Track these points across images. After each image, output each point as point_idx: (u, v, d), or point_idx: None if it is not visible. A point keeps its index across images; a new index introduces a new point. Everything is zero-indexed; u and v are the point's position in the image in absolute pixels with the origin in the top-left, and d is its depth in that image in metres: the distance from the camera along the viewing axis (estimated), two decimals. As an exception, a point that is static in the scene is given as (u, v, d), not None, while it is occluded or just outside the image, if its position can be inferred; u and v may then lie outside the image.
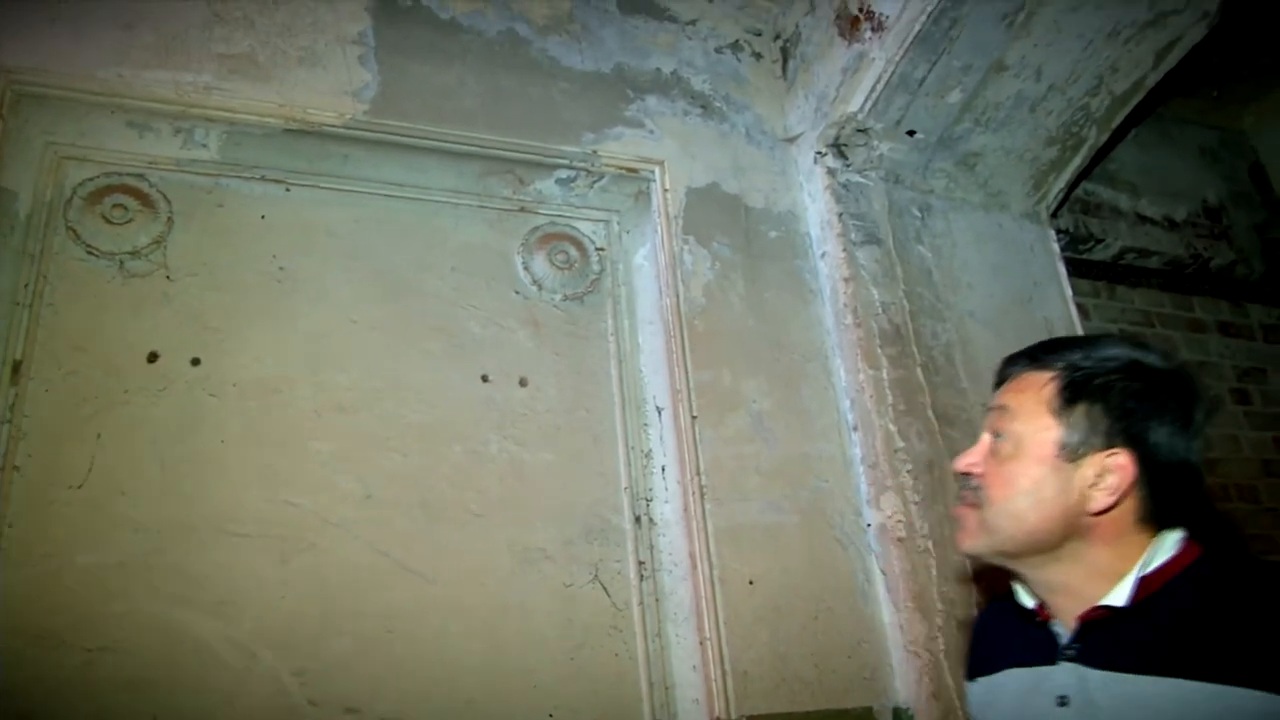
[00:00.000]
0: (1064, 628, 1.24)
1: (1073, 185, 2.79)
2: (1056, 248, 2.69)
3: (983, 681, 1.39)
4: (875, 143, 2.47)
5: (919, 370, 2.25)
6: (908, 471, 2.14)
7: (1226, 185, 3.43)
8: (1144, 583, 1.17)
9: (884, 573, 2.12)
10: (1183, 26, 2.48)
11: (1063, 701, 1.19)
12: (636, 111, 2.45)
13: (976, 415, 2.28)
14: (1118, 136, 2.79)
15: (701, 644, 2.02)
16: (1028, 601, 1.30)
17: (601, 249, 2.42)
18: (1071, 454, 1.21)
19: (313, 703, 1.80)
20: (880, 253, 2.37)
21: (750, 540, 2.10)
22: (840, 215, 2.37)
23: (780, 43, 2.76)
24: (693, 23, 2.65)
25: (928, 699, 2.00)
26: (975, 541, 1.28)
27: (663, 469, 2.21)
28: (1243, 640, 1.06)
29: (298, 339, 2.08)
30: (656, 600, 2.15)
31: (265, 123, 2.09)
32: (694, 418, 2.15)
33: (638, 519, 2.18)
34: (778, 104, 2.66)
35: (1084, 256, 2.91)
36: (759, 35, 2.74)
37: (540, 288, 2.33)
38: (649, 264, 2.36)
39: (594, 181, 2.38)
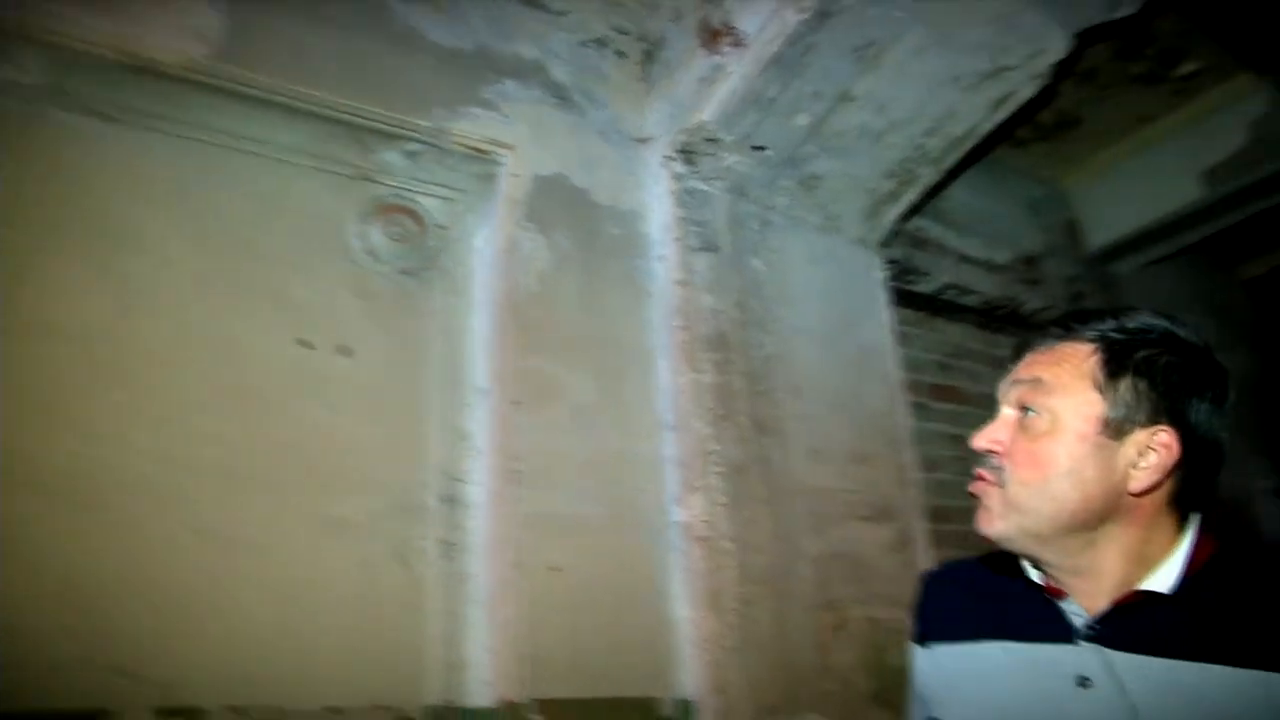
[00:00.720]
0: (1078, 608, 1.19)
1: (905, 218, 2.94)
2: (883, 275, 2.83)
3: (947, 649, 1.33)
4: (724, 154, 2.54)
5: (740, 378, 2.33)
6: (717, 473, 2.21)
7: (1044, 237, 3.67)
8: (1188, 569, 1.15)
9: (684, 570, 2.18)
10: (1017, 82, 2.65)
11: (1083, 683, 1.14)
12: (494, 94, 2.44)
13: (791, 426, 2.37)
14: (951, 177, 2.96)
15: (497, 627, 2.03)
16: (1036, 576, 1.24)
17: (442, 226, 2.40)
18: (1116, 430, 1.15)
19: (84, 663, 1.73)
20: (716, 261, 2.44)
21: (558, 529, 2.12)
22: (681, 220, 2.43)
23: (645, 45, 2.80)
24: (563, 14, 2.66)
25: (711, 693, 2.07)
26: (1004, 524, 1.18)
27: (478, 451, 2.21)
28: None
29: (108, 282, 1.98)
30: (458, 581, 2.15)
31: (97, 54, 1.98)
32: (515, 403, 2.16)
33: (447, 499, 2.17)
34: (636, 104, 2.70)
35: (909, 287, 3.06)
36: (625, 35, 2.77)
37: (375, 258, 2.29)
38: (488, 247, 2.35)
39: (441, 158, 2.36)
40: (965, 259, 3.26)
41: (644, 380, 2.35)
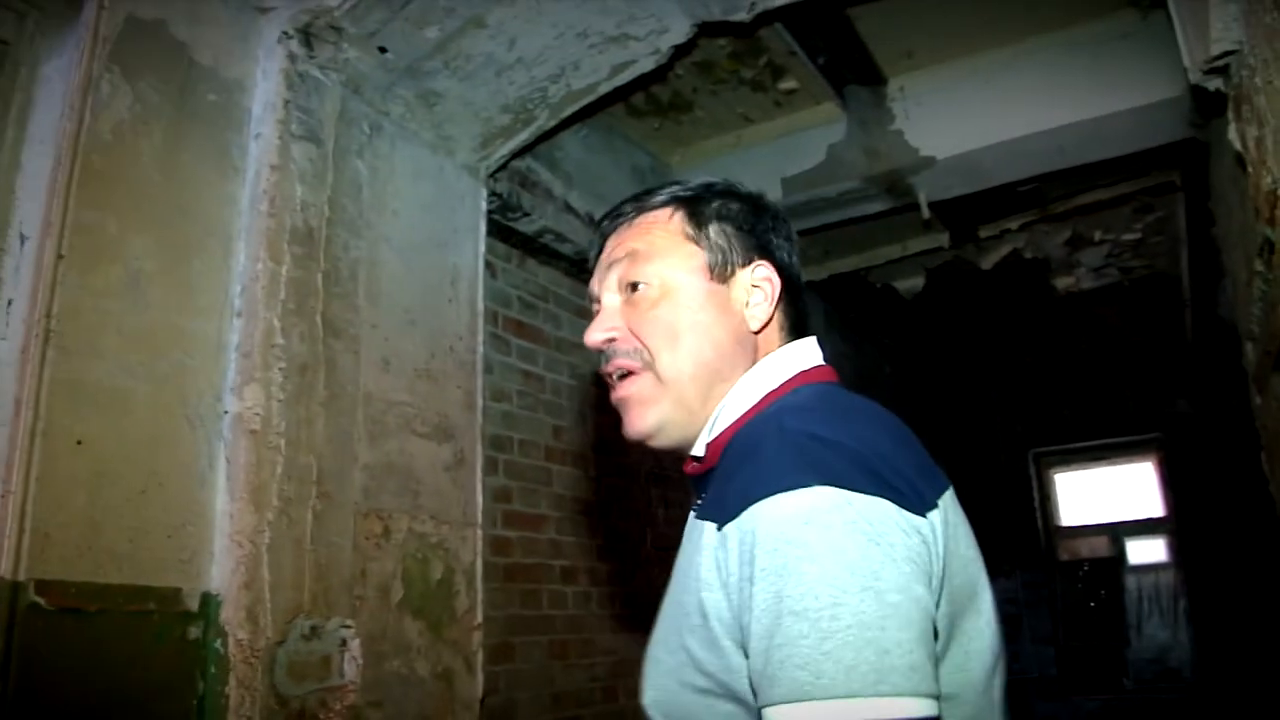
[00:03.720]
0: None
1: (517, 155, 3.02)
2: (485, 206, 2.89)
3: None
4: (345, 46, 2.45)
5: (320, 276, 2.28)
6: (280, 368, 2.15)
7: (644, 204, 3.93)
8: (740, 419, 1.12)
9: (228, 460, 2.11)
10: (639, 53, 2.81)
11: None
12: (92, -87, 2.17)
13: (365, 331, 2.37)
14: (565, 125, 3.08)
15: (3, 497, 1.84)
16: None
17: (4, 41, 2.10)
18: (721, 274, 1.15)
19: None
20: (317, 153, 2.36)
21: (91, 400, 1.96)
22: (287, 103, 2.32)
23: (280, -88, 2.62)
24: None
25: (239, 588, 2.03)
26: (656, 406, 1.13)
27: (9, 303, 1.98)
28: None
29: None
30: (-38, 443, 1.92)
31: None
32: (60, 256, 1.95)
33: (-40, 349, 1.93)
34: (262, -30, 2.52)
35: (509, 223, 3.15)
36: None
37: (-93, 61, 1.96)
38: (58, 78, 2.09)
39: (15, -33, 2.07)
40: (568, 208, 3.42)
41: (219, 260, 2.22)
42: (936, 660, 0.90)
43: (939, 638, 0.93)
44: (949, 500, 1.04)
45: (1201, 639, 7.32)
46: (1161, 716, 7.24)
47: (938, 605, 0.94)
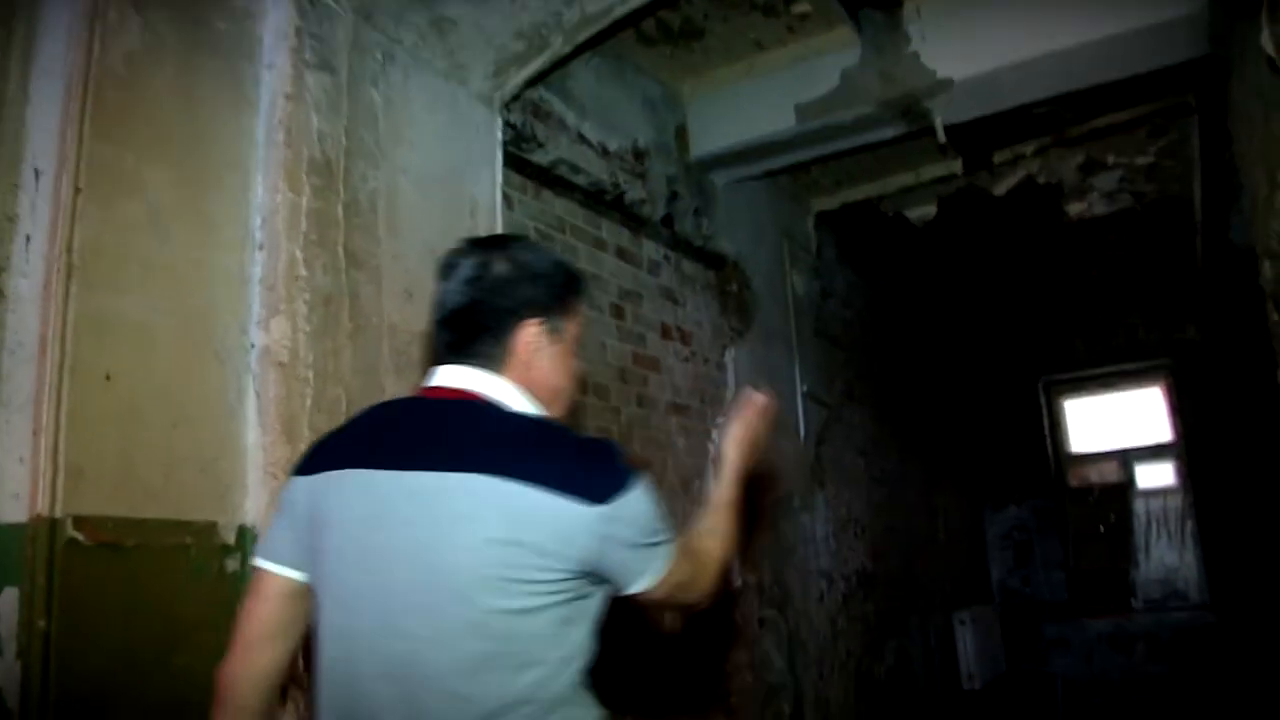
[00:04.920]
0: None
1: (530, 84, 2.97)
2: (500, 136, 2.85)
3: None
4: (355, -29, 2.40)
5: (340, 207, 2.26)
6: (305, 300, 2.14)
7: (655, 135, 3.88)
8: None
9: (258, 394, 2.10)
10: (653, -23, 2.75)
11: None
12: None
13: (386, 263, 2.35)
14: (579, 51, 3.02)
15: (35, 435, 1.84)
16: None
17: (6, -29, 2.05)
18: None
19: None
20: (331, 83, 2.32)
21: (117, 335, 1.95)
22: (299, 30, 2.27)
23: None
24: None
25: (274, 520, 2.03)
26: None
27: (27, 238, 1.95)
28: None
29: None
30: (-9, 382, 1.91)
31: None
32: (78, 190, 1.93)
33: (-13, 288, 1.91)
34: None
35: (523, 155, 3.10)
36: None
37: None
38: (65, 9, 2.05)
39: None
40: (582, 139, 3.37)
41: (238, 193, 2.19)
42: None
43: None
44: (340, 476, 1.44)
45: (1208, 560, 7.40)
46: (1168, 635, 7.34)
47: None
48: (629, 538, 1.36)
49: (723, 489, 1.75)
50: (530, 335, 1.49)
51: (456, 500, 1.32)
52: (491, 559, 1.28)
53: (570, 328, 1.57)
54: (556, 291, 1.54)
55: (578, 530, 1.31)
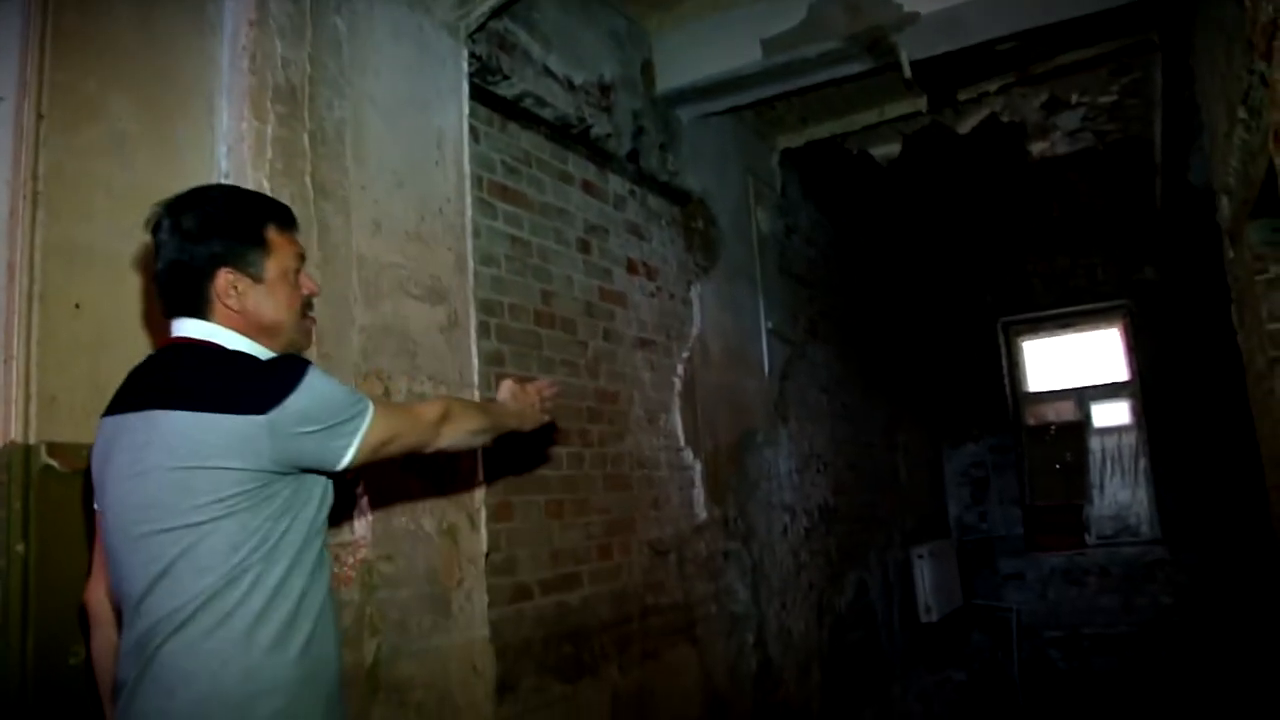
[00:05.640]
0: None
1: (494, 14, 2.94)
2: (466, 68, 2.83)
3: None
4: (315, -106, 2.35)
5: (306, 136, 2.24)
6: (271, 229, 2.13)
7: (622, 70, 3.86)
8: None
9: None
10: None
11: None
12: None
13: (354, 194, 2.35)
14: (545, -16, 2.99)
15: (6, 362, 1.85)
16: None
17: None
18: None
19: None
20: (294, 9, 2.29)
21: (84, 263, 1.95)
22: (261, -45, 2.24)
23: None
24: None
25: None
26: None
27: (-10, 166, 1.93)
28: None
29: None
30: (-44, 310, 1.90)
31: None
32: (40, 116, 1.91)
33: (-53, 212, 1.89)
34: None
35: (489, 87, 3.08)
36: None
37: None
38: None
39: None
40: (547, 72, 3.35)
41: (202, 120, 2.17)
42: None
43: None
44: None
45: (1160, 496, 7.60)
46: (1120, 569, 7.57)
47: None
48: (311, 429, 1.55)
49: (489, 402, 2.08)
50: (224, 284, 1.61)
51: (143, 434, 1.52)
52: (174, 483, 1.49)
53: (273, 264, 1.67)
54: (245, 236, 1.65)
55: (251, 440, 1.50)
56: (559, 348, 3.28)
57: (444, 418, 1.82)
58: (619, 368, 3.63)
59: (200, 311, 1.63)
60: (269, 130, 2.18)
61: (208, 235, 1.61)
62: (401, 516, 2.34)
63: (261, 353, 1.64)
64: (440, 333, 2.54)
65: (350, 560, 2.19)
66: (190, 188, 1.71)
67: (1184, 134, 5.06)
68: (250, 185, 2.13)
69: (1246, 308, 3.45)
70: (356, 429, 1.61)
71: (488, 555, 2.63)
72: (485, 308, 2.90)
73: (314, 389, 1.57)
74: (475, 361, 2.64)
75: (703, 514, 4.04)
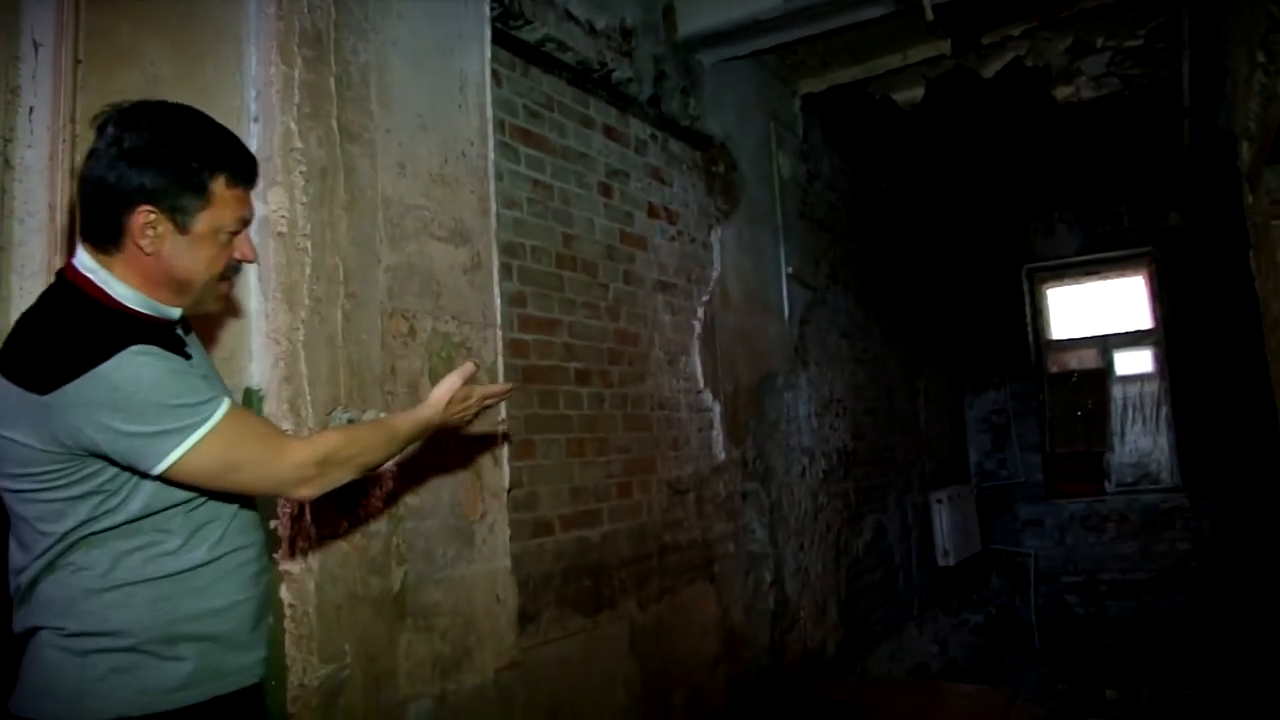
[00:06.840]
0: None
1: (517, -42, 2.96)
2: (488, 11, 2.86)
3: None
4: None
5: (332, 80, 2.29)
6: (300, 172, 2.19)
7: (643, 14, 3.87)
8: None
9: (260, 263, 2.18)
10: None
11: None
12: None
13: (379, 136, 2.40)
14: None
15: (47, 299, 1.93)
16: None
17: None
18: None
19: None
20: (318, -47, 2.33)
21: (122, 203, 2.02)
22: (285, -99, 2.27)
23: None
24: None
25: (280, 382, 2.13)
26: None
27: (30, 110, 2.01)
28: None
29: None
30: (2, 251, 1.98)
31: None
32: (78, 61, 1.97)
33: (-9, 154, 1.97)
34: None
35: (512, 31, 3.11)
36: None
37: None
38: (55, -122, 2.06)
39: None
40: (569, 16, 3.37)
41: (231, 65, 2.22)
42: None
43: None
44: None
45: (1181, 444, 7.62)
46: (1138, 516, 7.62)
47: None
48: (109, 421, 1.38)
49: (401, 417, 1.84)
50: (140, 222, 1.45)
51: None
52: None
53: (206, 218, 1.50)
54: (184, 179, 1.47)
55: (40, 420, 1.38)
56: (580, 290, 3.35)
57: (323, 461, 1.58)
58: (639, 310, 3.69)
59: (108, 242, 1.47)
60: (296, 74, 2.23)
61: (144, 163, 1.44)
62: (427, 451, 2.43)
63: (151, 308, 1.50)
64: (464, 274, 2.60)
65: (377, 492, 2.28)
66: (156, 100, 1.54)
67: (1212, 78, 5.01)
68: (278, 129, 2.19)
69: (1263, 253, 3.46)
70: (178, 445, 1.42)
71: (510, 491, 2.72)
72: (508, 250, 2.96)
73: (117, 378, 1.38)
74: (497, 302, 2.71)
75: (721, 455, 4.12)
